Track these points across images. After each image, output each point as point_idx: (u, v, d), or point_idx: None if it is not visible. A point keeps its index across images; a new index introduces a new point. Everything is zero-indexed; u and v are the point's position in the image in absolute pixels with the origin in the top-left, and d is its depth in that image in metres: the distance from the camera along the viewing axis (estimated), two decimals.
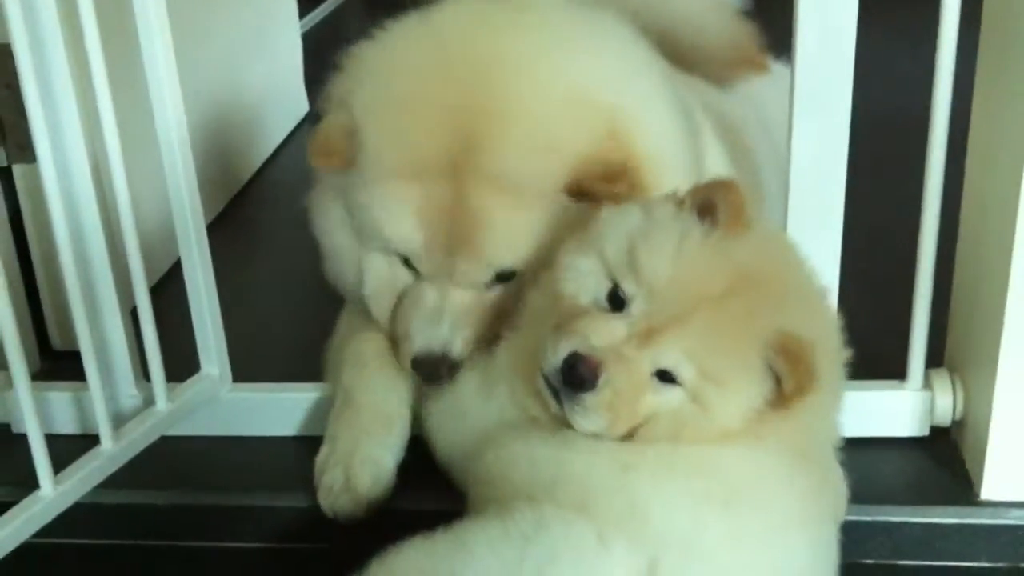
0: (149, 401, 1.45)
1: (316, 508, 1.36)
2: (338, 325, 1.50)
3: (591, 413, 1.09)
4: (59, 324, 1.66)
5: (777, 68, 1.89)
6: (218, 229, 2.10)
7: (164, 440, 1.45)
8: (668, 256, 1.08)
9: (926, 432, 1.43)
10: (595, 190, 1.24)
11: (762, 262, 1.11)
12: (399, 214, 1.29)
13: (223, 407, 1.49)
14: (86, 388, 1.37)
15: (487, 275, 1.30)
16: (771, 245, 1.17)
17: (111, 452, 1.37)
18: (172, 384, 1.45)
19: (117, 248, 1.40)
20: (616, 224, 1.14)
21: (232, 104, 2.30)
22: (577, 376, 1.09)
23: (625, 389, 1.08)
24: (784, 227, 1.34)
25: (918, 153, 1.33)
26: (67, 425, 1.48)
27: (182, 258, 1.43)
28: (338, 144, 1.30)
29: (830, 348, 1.16)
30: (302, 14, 2.84)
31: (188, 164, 1.41)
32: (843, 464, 1.30)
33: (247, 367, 1.52)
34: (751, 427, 1.08)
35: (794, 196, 1.32)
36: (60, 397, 1.48)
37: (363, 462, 1.33)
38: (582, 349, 1.09)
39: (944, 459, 1.41)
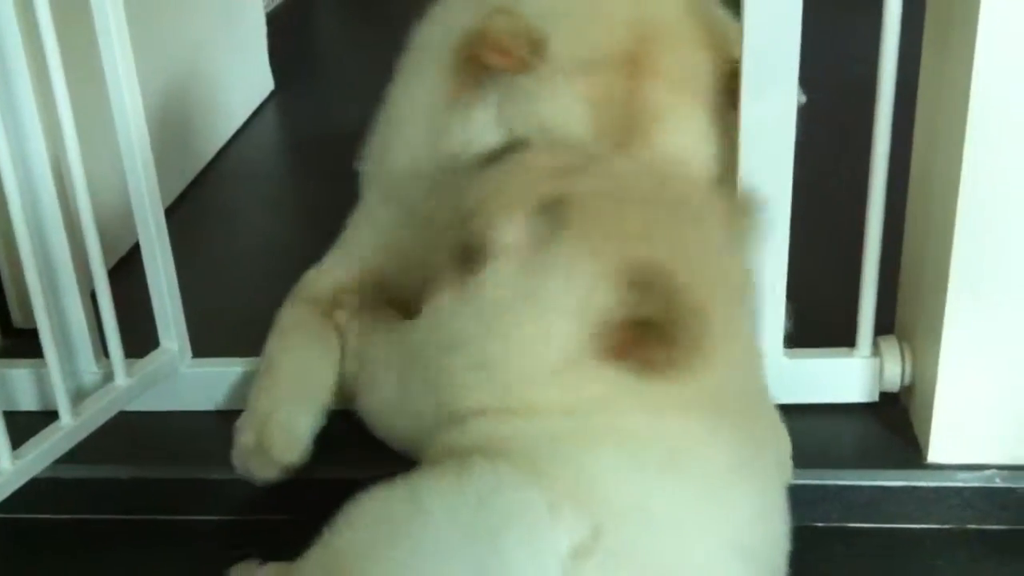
0: (109, 377, 1.46)
1: (282, 481, 1.38)
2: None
3: None
4: (20, 302, 1.66)
5: None
6: (181, 207, 2.11)
7: (124, 415, 1.46)
8: None
9: (875, 398, 1.45)
10: None
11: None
12: (574, 105, 1.31)
13: (182, 382, 1.50)
14: (46, 365, 1.38)
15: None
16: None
17: (70, 427, 1.38)
18: (132, 360, 1.46)
19: (76, 226, 1.41)
20: None
21: (195, 83, 2.30)
22: None
23: None
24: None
25: (869, 123, 1.35)
26: (28, 402, 1.49)
27: (139, 235, 1.44)
28: (514, 44, 1.30)
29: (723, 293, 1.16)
30: None
31: (144, 144, 1.41)
32: (794, 430, 1.33)
33: (207, 342, 1.54)
34: (666, 391, 1.09)
35: (744, 164, 1.34)
36: (20, 374, 1.49)
37: (277, 426, 1.36)
38: None
39: (893, 424, 1.43)
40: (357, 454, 1.37)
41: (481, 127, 1.37)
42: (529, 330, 1.11)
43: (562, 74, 1.31)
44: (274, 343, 1.44)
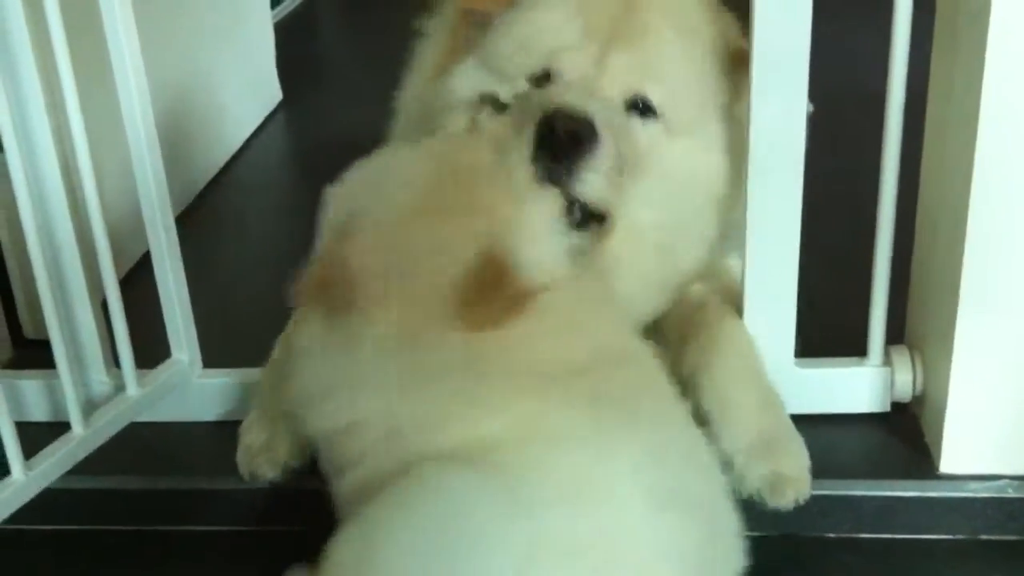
0: (120, 388, 1.46)
1: (287, 491, 1.39)
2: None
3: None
4: (31, 313, 1.67)
5: None
6: (191, 217, 2.12)
7: (135, 426, 1.46)
8: None
9: (887, 408, 1.45)
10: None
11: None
12: (558, 8, 1.35)
13: (193, 392, 1.51)
14: (58, 375, 1.38)
15: (637, 82, 1.33)
16: None
17: (82, 437, 1.39)
18: (143, 371, 1.47)
19: (87, 237, 1.41)
20: None
21: (204, 94, 2.31)
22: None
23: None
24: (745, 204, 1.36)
25: (879, 132, 1.34)
26: (39, 412, 1.50)
27: (150, 245, 1.44)
28: None
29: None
30: (274, 4, 2.85)
31: (155, 155, 1.42)
32: (806, 440, 1.33)
33: (217, 353, 1.54)
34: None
35: (753, 176, 1.34)
36: (31, 385, 1.49)
37: (284, 430, 1.37)
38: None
39: (904, 434, 1.43)
40: None
41: (467, 74, 1.41)
42: None
43: None
44: (284, 347, 1.45)
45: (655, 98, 1.35)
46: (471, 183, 1.20)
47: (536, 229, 1.18)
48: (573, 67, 1.34)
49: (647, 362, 1.21)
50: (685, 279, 1.43)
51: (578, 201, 1.28)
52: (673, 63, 1.36)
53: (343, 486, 1.16)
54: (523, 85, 1.37)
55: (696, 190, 1.39)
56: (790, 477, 1.30)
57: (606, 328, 1.21)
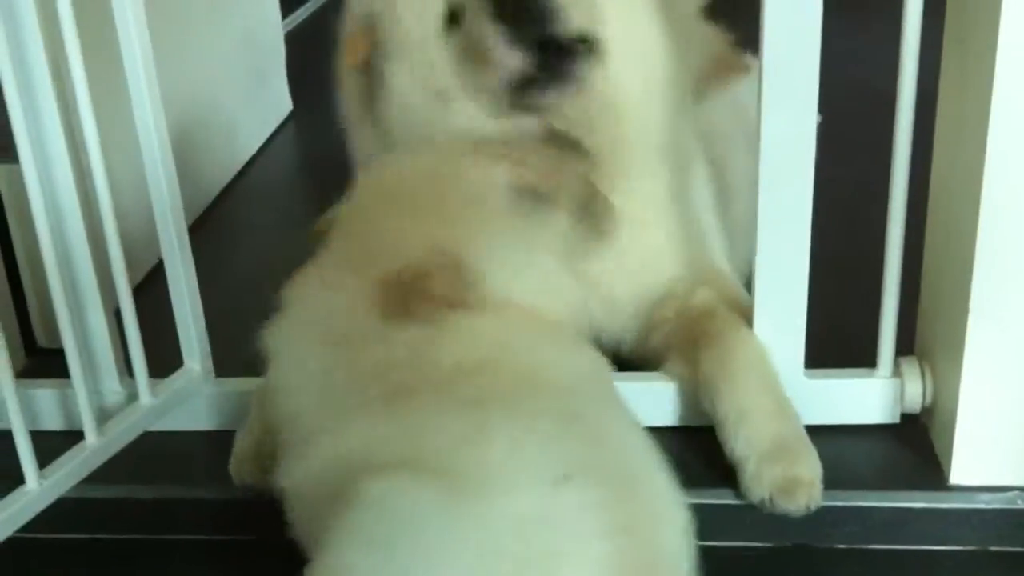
0: (133, 397, 1.47)
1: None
2: None
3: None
4: (44, 322, 1.68)
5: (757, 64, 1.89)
6: (203, 226, 2.13)
7: (148, 435, 1.47)
8: None
9: (896, 419, 1.45)
10: None
11: None
12: None
13: (206, 401, 1.51)
14: (71, 384, 1.39)
15: None
16: None
17: (95, 447, 1.39)
18: (156, 380, 1.47)
19: (100, 246, 1.42)
20: None
21: (216, 104, 2.32)
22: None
23: None
24: (755, 217, 1.37)
25: (889, 141, 1.35)
26: (53, 421, 1.50)
27: (163, 253, 1.45)
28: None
29: None
30: (285, 14, 2.86)
31: (168, 163, 1.43)
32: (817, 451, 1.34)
33: (230, 362, 1.54)
34: None
35: (764, 186, 1.35)
36: (45, 394, 1.50)
37: (275, 439, 1.36)
38: None
39: (914, 445, 1.43)
40: None
41: None
42: None
43: None
44: None
45: None
46: (447, 193, 1.25)
47: (503, 251, 1.23)
48: None
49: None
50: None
51: (556, 39, 1.32)
52: None
53: (288, 479, 1.16)
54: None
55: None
56: (803, 481, 1.30)
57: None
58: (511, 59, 1.32)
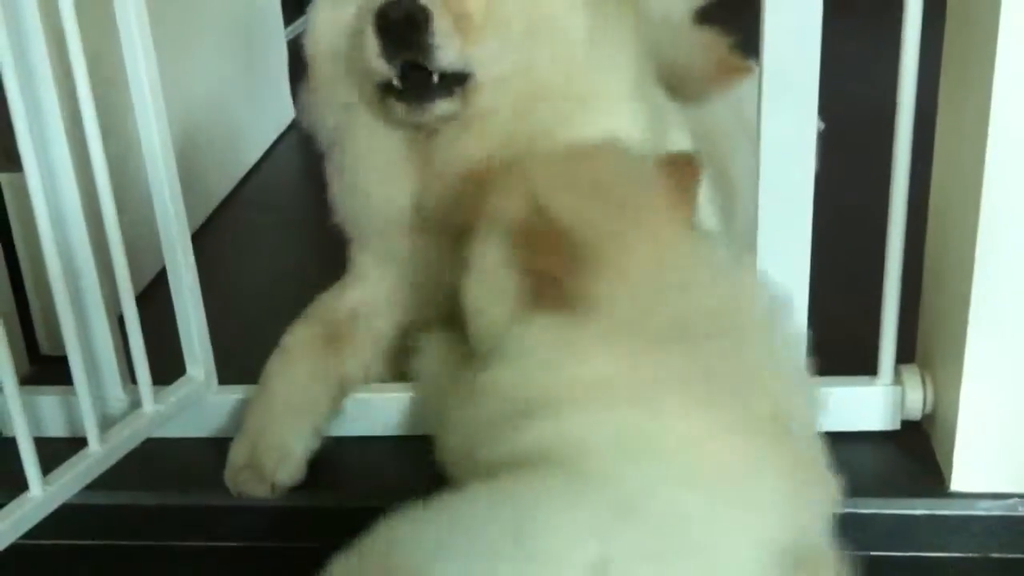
0: (136, 404, 1.47)
1: (303, 508, 1.40)
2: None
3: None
4: (48, 329, 1.68)
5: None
6: (205, 234, 2.13)
7: (151, 442, 1.47)
8: None
9: (897, 426, 1.45)
10: None
11: None
12: None
13: (209, 409, 1.52)
14: (74, 392, 1.40)
15: None
16: None
17: (99, 454, 1.40)
18: (159, 387, 1.48)
19: (104, 253, 1.42)
20: None
21: (218, 111, 2.33)
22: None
23: None
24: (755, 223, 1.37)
25: (889, 150, 1.35)
26: (56, 428, 1.51)
27: (167, 263, 1.46)
28: None
29: None
30: (287, 21, 2.86)
31: (172, 171, 1.43)
32: None
33: (233, 369, 1.55)
34: None
35: (764, 193, 1.35)
36: (49, 401, 1.50)
37: (269, 446, 1.39)
38: None
39: (915, 452, 1.43)
40: (380, 482, 1.40)
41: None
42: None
43: None
44: (274, 363, 1.47)
45: None
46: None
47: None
48: None
49: None
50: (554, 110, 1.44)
51: (437, 71, 1.36)
52: None
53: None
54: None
55: (544, 28, 1.42)
56: None
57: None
58: (379, 66, 1.36)
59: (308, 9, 1.49)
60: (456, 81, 1.38)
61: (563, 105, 1.42)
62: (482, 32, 1.37)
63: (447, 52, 1.35)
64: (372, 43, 1.34)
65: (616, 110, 1.46)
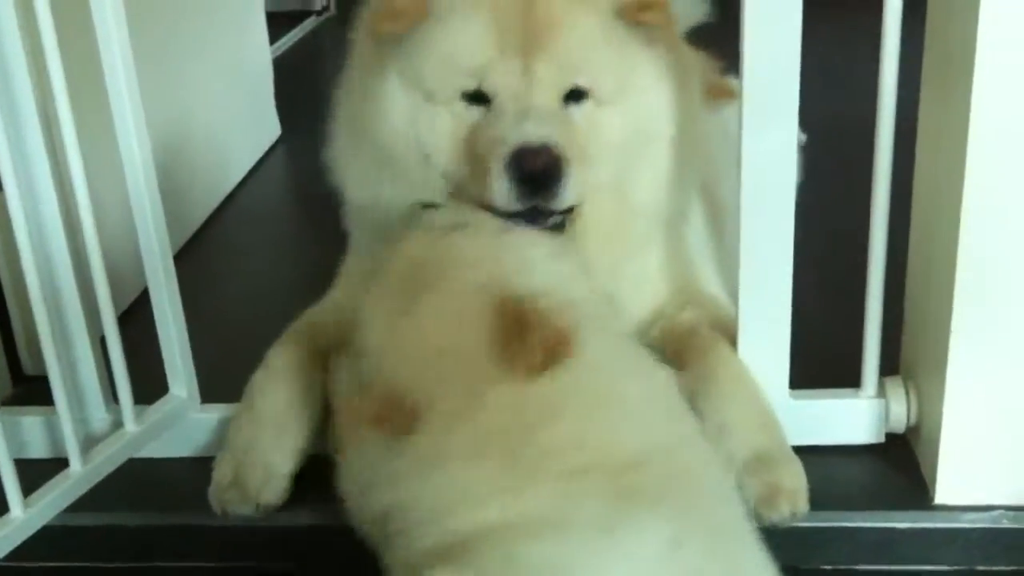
0: (119, 423, 1.47)
1: (288, 529, 1.39)
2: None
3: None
4: (30, 349, 1.68)
5: None
6: (190, 252, 2.13)
7: (134, 461, 1.47)
8: None
9: (881, 439, 1.45)
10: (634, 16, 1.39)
11: None
12: (471, 24, 1.37)
13: (191, 427, 1.51)
14: (56, 412, 1.39)
15: (564, 81, 1.38)
16: None
17: (80, 474, 1.39)
18: (141, 406, 1.47)
19: (86, 274, 1.42)
20: None
21: (204, 128, 2.32)
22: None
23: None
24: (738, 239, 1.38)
25: (870, 162, 1.36)
26: (39, 449, 1.50)
27: (148, 282, 1.45)
28: (403, 5, 1.38)
29: None
30: (273, 39, 2.87)
31: (154, 192, 1.43)
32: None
33: (215, 388, 1.54)
34: None
35: (746, 207, 1.35)
36: (31, 421, 1.50)
37: (254, 463, 1.39)
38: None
39: (899, 465, 1.43)
40: None
41: (395, 97, 1.43)
42: None
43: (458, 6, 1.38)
44: (258, 380, 1.46)
45: (583, 83, 1.40)
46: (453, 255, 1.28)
47: (526, 262, 1.24)
48: (505, 84, 1.38)
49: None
50: (646, 227, 1.49)
51: (556, 211, 1.38)
52: (587, 46, 1.40)
53: (393, 556, 1.15)
54: (459, 105, 1.40)
55: (633, 142, 1.44)
56: (783, 488, 1.31)
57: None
58: (506, 204, 1.37)
59: (372, 88, 1.46)
60: (569, 209, 1.40)
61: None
62: (587, 163, 1.39)
63: (573, 193, 1.37)
64: (502, 185, 1.35)
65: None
